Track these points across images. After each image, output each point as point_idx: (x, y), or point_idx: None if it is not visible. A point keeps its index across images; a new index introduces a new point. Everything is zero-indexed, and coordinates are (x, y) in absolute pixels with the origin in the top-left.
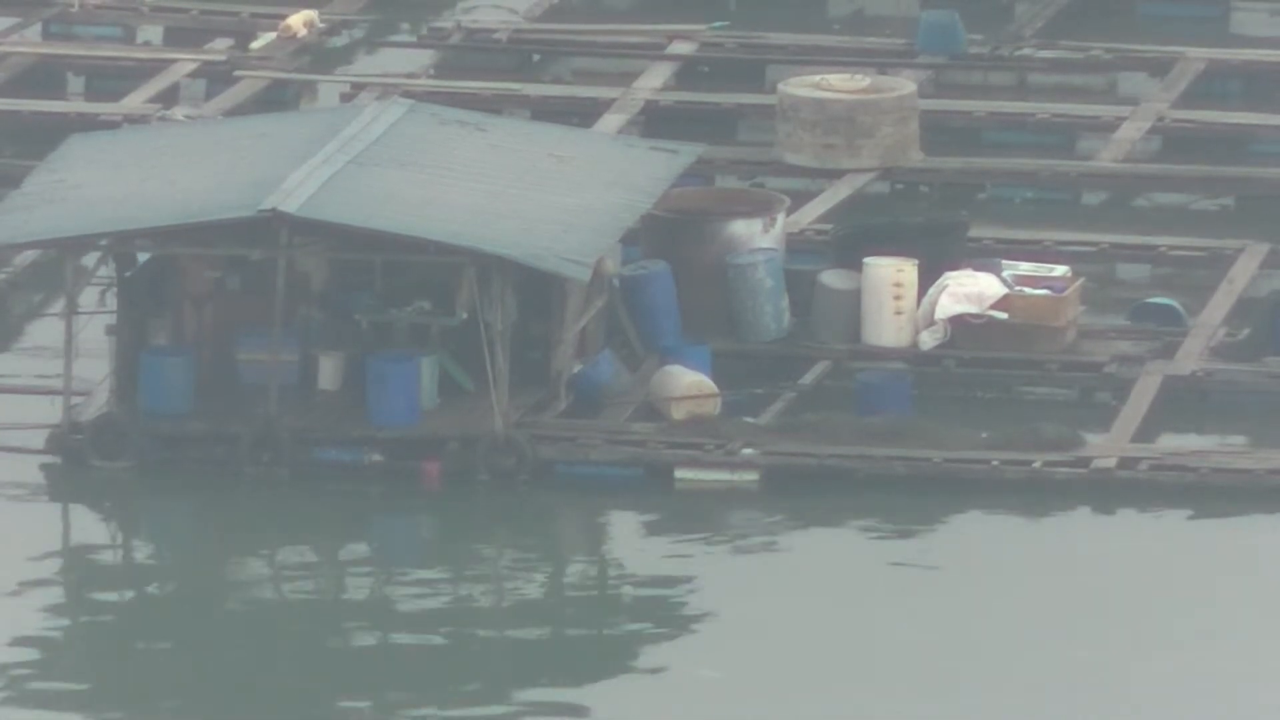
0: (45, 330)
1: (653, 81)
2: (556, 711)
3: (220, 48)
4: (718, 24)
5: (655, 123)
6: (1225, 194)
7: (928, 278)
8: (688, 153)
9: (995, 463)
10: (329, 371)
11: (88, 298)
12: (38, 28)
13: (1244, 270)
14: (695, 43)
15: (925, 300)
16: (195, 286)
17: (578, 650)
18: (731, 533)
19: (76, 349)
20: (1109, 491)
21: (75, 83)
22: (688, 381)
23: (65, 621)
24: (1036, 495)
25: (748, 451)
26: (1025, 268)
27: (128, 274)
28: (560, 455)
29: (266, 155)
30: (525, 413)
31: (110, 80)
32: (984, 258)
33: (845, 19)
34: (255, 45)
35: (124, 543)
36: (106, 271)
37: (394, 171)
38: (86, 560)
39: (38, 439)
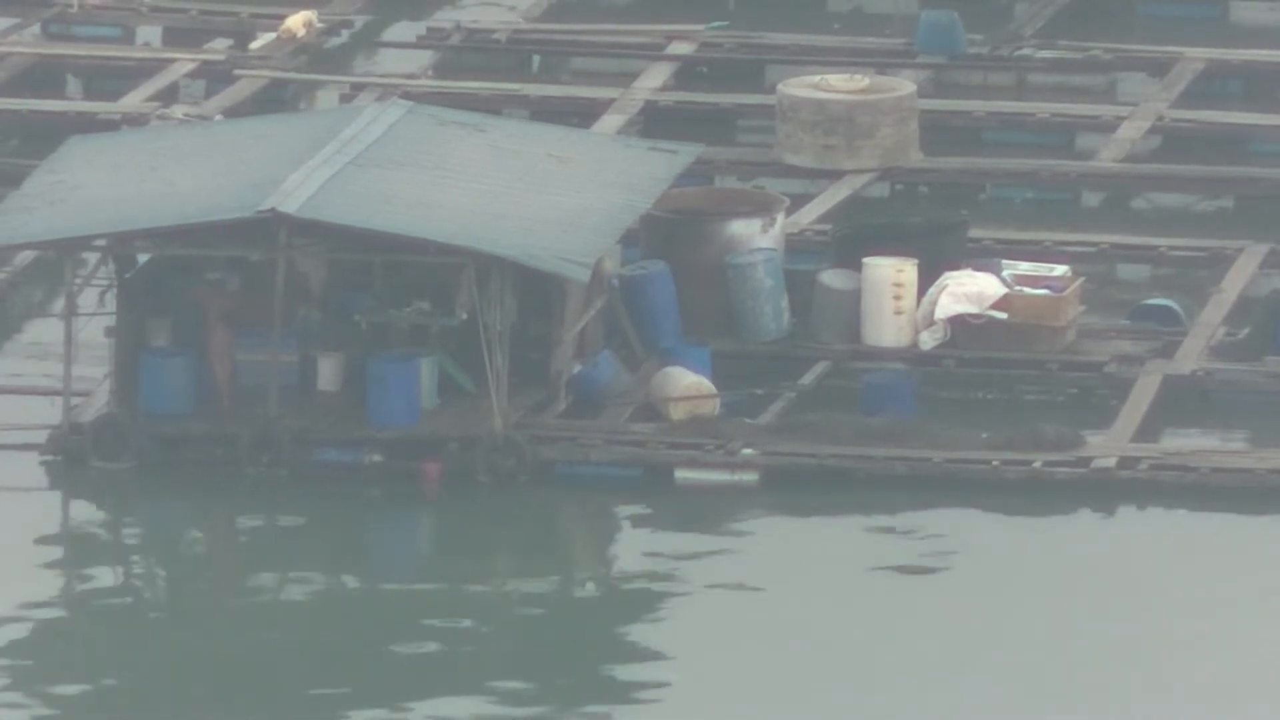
0: (45, 331)
1: (652, 82)
2: (553, 711)
3: (219, 48)
4: (717, 24)
5: (654, 123)
6: (1225, 194)
7: (927, 278)
8: (687, 153)
9: (995, 463)
10: (329, 372)
11: (88, 298)
12: (37, 28)
13: (1237, 277)
14: (694, 43)
15: (925, 300)
16: (217, 306)
17: (576, 650)
18: (731, 533)
19: (76, 349)
20: (1109, 491)
21: (74, 83)
22: (686, 383)
23: (65, 621)
24: (1037, 495)
25: (748, 451)
26: (1025, 267)
27: (127, 275)
28: (560, 455)
29: (266, 156)
30: (525, 413)
31: (109, 80)
32: (984, 258)
33: (844, 16)
34: (254, 45)
35: (124, 543)
36: (106, 272)
37: (393, 172)
38: (86, 560)
39: (38, 439)
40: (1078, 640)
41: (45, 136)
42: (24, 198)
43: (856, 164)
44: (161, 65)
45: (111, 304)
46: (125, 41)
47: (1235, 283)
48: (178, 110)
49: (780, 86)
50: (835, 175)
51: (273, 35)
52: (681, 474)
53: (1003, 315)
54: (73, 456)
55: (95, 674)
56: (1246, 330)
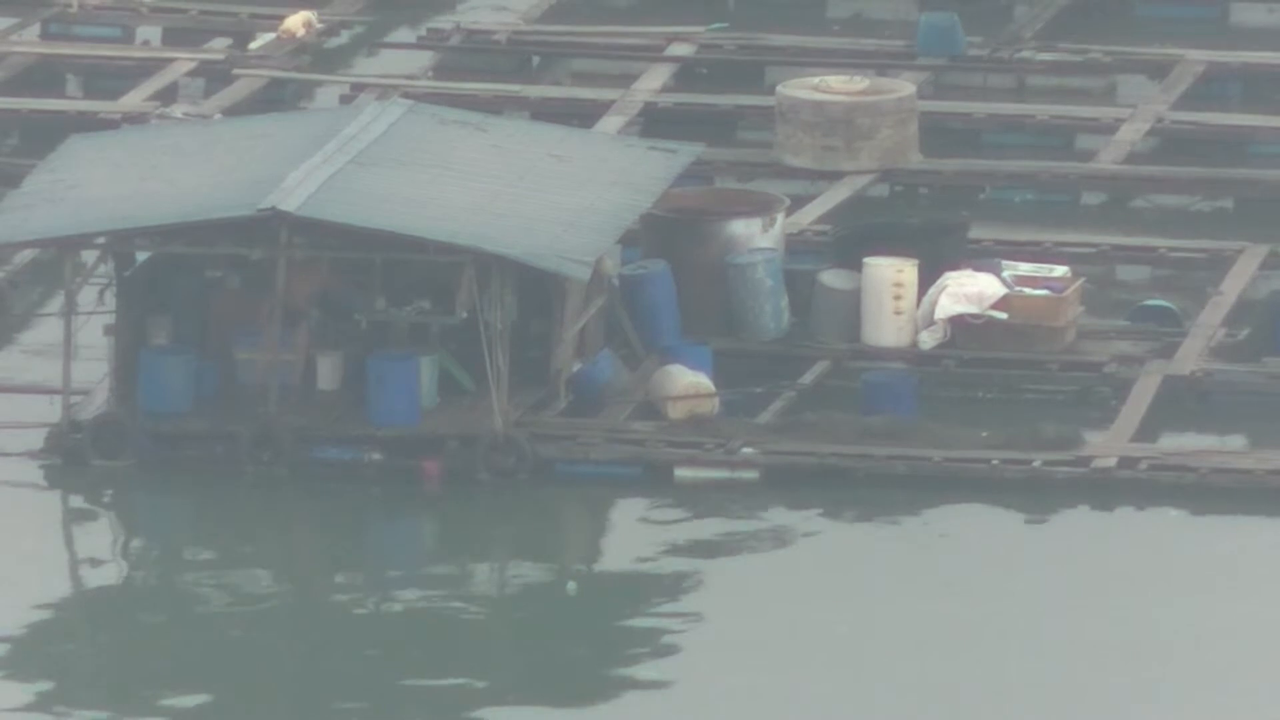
0: (45, 329)
1: (652, 83)
2: (553, 708)
3: (219, 47)
4: (716, 25)
5: (654, 124)
6: (1224, 196)
7: (928, 278)
8: (687, 152)
9: (995, 462)
10: (328, 371)
11: (87, 296)
12: (37, 28)
13: (1237, 279)
14: (694, 44)
15: (925, 300)
16: (239, 313)
17: (575, 648)
18: (730, 532)
19: (75, 348)
20: (1109, 491)
21: (74, 82)
22: (685, 381)
23: (64, 620)
24: (1036, 495)
25: (747, 450)
26: (1025, 268)
27: (127, 273)
28: (560, 454)
29: (266, 155)
30: (525, 412)
31: (109, 80)
32: (984, 258)
33: (844, 21)
34: (254, 45)
35: (123, 542)
36: (106, 270)
37: (394, 171)
38: (86, 559)
39: (37, 438)
40: (1077, 640)
41: (45, 136)
42: (24, 196)
43: (856, 166)
44: (161, 65)
45: (111, 302)
46: (125, 41)
47: (1235, 284)
48: (177, 109)
49: (780, 88)
50: (835, 177)
51: (272, 35)
52: (681, 472)
53: (1003, 315)
54: (72, 455)
55: (94, 673)
56: (1246, 331)
